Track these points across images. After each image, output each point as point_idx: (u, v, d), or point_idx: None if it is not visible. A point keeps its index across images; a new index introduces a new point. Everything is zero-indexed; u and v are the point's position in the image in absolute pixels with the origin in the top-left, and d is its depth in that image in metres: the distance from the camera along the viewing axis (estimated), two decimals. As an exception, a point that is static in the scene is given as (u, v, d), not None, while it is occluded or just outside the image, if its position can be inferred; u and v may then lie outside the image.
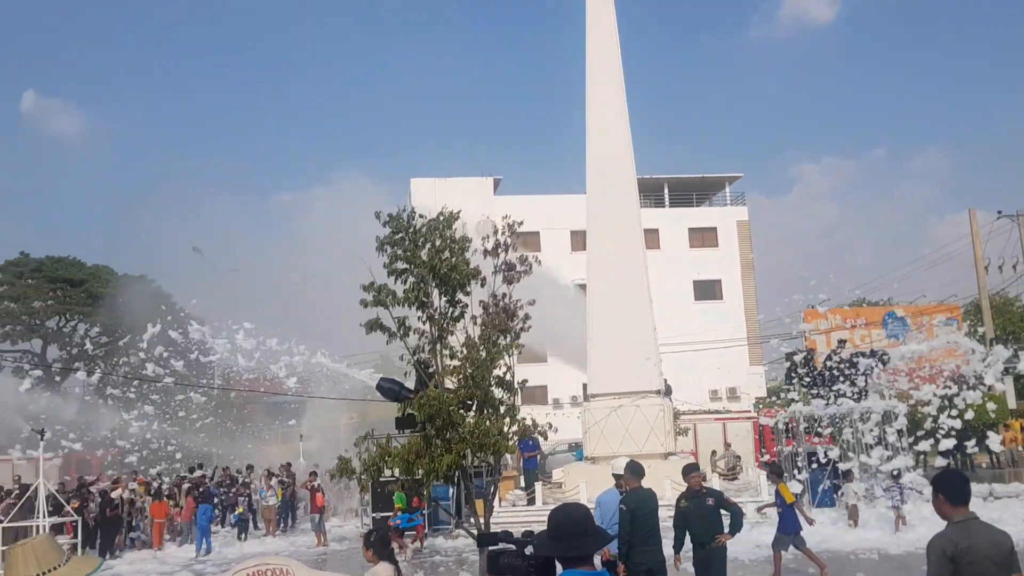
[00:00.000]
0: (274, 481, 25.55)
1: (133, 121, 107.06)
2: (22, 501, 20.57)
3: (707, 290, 53.55)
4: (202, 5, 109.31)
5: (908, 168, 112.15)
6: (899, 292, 58.09)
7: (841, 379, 22.22)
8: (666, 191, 55.18)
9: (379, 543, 7.24)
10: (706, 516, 9.72)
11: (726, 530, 9.70)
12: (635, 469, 9.55)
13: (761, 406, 39.33)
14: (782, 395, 26.72)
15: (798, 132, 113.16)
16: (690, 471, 10.11)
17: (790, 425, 23.15)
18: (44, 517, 18.58)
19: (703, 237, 54.46)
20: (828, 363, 23.81)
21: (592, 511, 6.50)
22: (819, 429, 22.02)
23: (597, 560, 8.66)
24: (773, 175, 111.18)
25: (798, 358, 25.92)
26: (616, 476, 10.13)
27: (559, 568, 3.71)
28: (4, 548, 18.93)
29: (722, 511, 9.83)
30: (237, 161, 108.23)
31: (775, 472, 14.66)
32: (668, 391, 26.47)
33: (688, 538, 9.84)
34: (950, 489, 5.10)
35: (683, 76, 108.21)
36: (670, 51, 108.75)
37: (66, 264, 55.57)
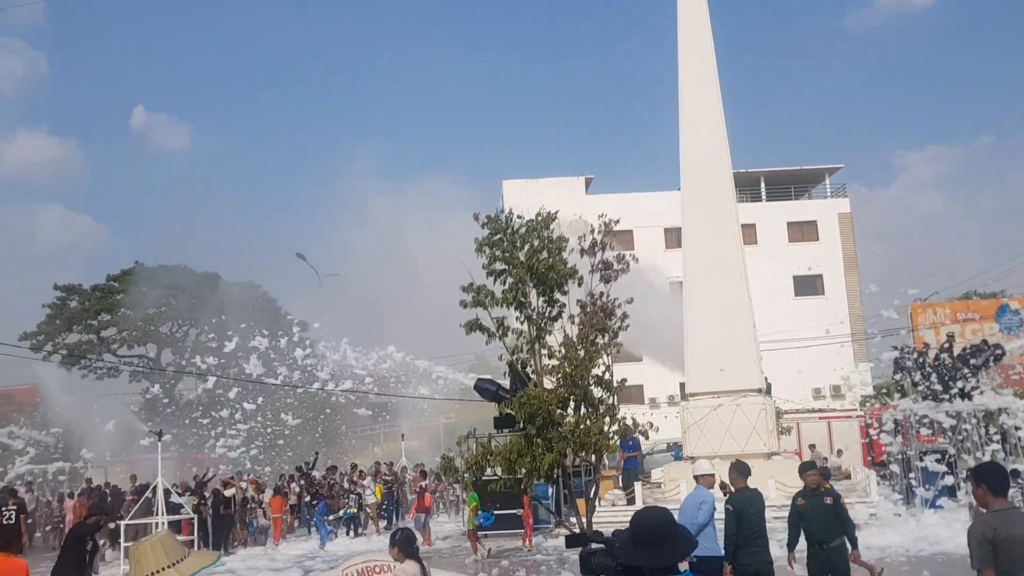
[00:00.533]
0: (367, 480, 26.05)
1: (235, 133, 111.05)
2: (141, 500, 21.59)
3: (808, 285, 52.14)
4: (296, 16, 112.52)
5: (1018, 155, 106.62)
6: (1013, 284, 55.34)
7: (953, 375, 21.33)
8: (763, 185, 53.98)
9: (404, 541, 7.59)
10: (822, 515, 9.53)
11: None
12: (742, 469, 9.44)
13: (868, 404, 38.06)
14: (890, 393, 25.79)
15: (900, 120, 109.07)
16: (806, 469, 10.03)
17: (901, 424, 22.33)
18: (163, 515, 19.41)
19: (803, 231, 53.06)
20: (939, 359, 22.88)
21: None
22: (931, 428, 21.19)
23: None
24: (875, 165, 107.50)
25: (906, 354, 25.01)
26: (696, 477, 10.04)
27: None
28: (126, 544, 19.95)
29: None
30: (332, 169, 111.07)
31: (823, 476, 14.21)
32: (769, 389, 25.90)
33: (803, 537, 9.66)
34: (993, 481, 5.58)
35: (778, 66, 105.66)
36: (764, 40, 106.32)
37: (177, 272, 57.98)
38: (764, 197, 54.07)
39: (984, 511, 5.64)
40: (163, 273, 57.33)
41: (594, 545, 4.01)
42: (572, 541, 4.25)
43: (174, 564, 3.61)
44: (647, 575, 3.59)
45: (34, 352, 48.33)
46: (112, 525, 10.40)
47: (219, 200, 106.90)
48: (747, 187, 51.32)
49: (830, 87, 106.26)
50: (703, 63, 25.64)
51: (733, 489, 9.46)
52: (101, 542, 10.36)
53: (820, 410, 40.08)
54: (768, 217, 52.02)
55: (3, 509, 19.57)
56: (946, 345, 24.53)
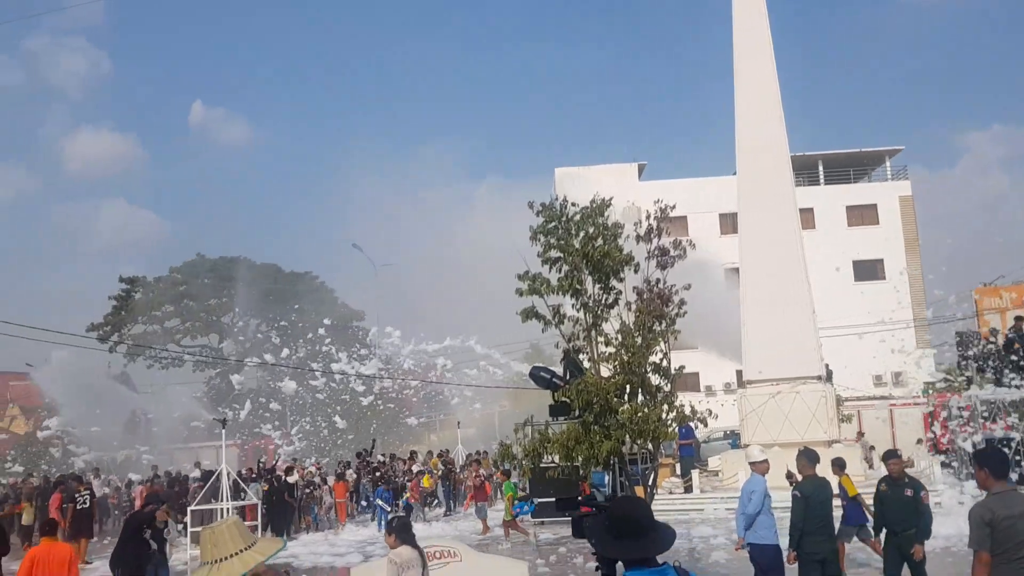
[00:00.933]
0: (416, 467, 26.30)
1: (291, 127, 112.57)
2: (207, 486, 22.13)
3: (868, 270, 51.14)
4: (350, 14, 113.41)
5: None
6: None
7: (1021, 360, 20.74)
8: (820, 168, 53.01)
9: (400, 528, 8.00)
10: (900, 505, 9.51)
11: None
12: (810, 456, 9.40)
13: (931, 391, 37.22)
14: (955, 379, 25.14)
15: (963, 99, 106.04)
16: (889, 457, 10.00)
17: (965, 411, 21.81)
18: (228, 500, 19.87)
19: (862, 215, 52.01)
20: (1006, 343, 22.26)
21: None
22: (998, 414, 20.65)
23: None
24: (937, 146, 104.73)
25: (971, 339, 24.37)
26: (751, 464, 9.97)
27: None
28: (194, 530, 20.47)
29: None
30: (386, 159, 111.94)
31: (838, 465, 13.98)
32: (829, 376, 25.49)
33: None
34: (993, 464, 5.77)
35: (836, 44, 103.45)
36: (822, 18, 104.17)
37: (237, 263, 59.19)
38: (822, 181, 53.09)
39: (986, 493, 5.80)
40: (224, 265, 58.56)
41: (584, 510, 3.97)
42: (562, 505, 4.22)
43: (244, 550, 3.66)
44: (624, 566, 3.50)
45: (101, 343, 49.83)
46: (166, 518, 10.70)
47: (276, 192, 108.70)
48: (804, 171, 50.43)
49: (890, 66, 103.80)
50: (759, 43, 25.20)
51: (800, 477, 9.39)
52: (166, 531, 10.65)
53: (882, 397, 39.30)
54: (826, 201, 51.10)
55: (76, 495, 20.26)
56: (1014, 329, 23.82)
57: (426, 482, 25.71)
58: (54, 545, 8.03)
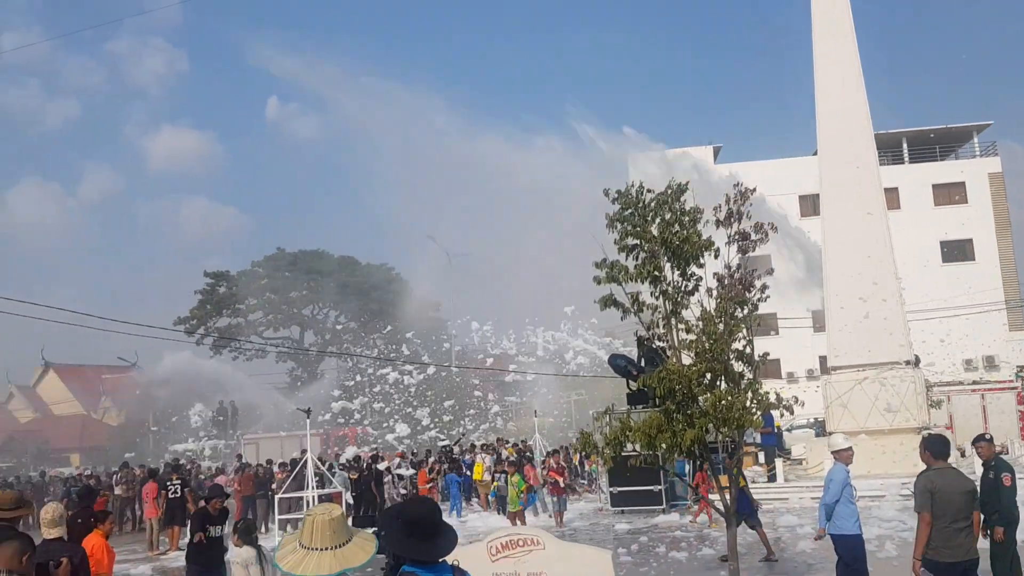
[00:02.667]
0: (479, 458, 26.32)
1: (361, 120, 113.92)
2: (293, 474, 22.65)
3: (957, 251, 49.34)
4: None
5: None
6: None
7: None
8: (905, 146, 51.30)
9: (244, 530, 8.83)
10: (989, 488, 9.21)
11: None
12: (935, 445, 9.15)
13: (1025, 375, 35.76)
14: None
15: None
16: (977, 440, 9.70)
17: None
18: (312, 489, 20.27)
19: (950, 193, 50.16)
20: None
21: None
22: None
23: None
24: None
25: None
26: (834, 452, 9.73)
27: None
28: (281, 517, 20.99)
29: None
30: (460, 149, 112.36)
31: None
32: (917, 361, 24.70)
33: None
34: (935, 448, 7.45)
35: (920, 18, 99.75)
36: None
37: (316, 256, 60.40)
38: (907, 159, 51.38)
39: (927, 468, 7.45)
40: (304, 258, 59.80)
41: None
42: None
43: (340, 546, 3.60)
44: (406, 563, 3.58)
45: (188, 336, 51.49)
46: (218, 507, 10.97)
47: (351, 185, 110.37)
48: (888, 149, 48.85)
49: (976, 38, 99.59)
50: (839, 17, 24.45)
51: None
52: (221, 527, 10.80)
53: (973, 382, 37.90)
54: (912, 180, 49.43)
55: (168, 484, 20.95)
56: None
57: (478, 470, 25.44)
58: (95, 537, 7.95)
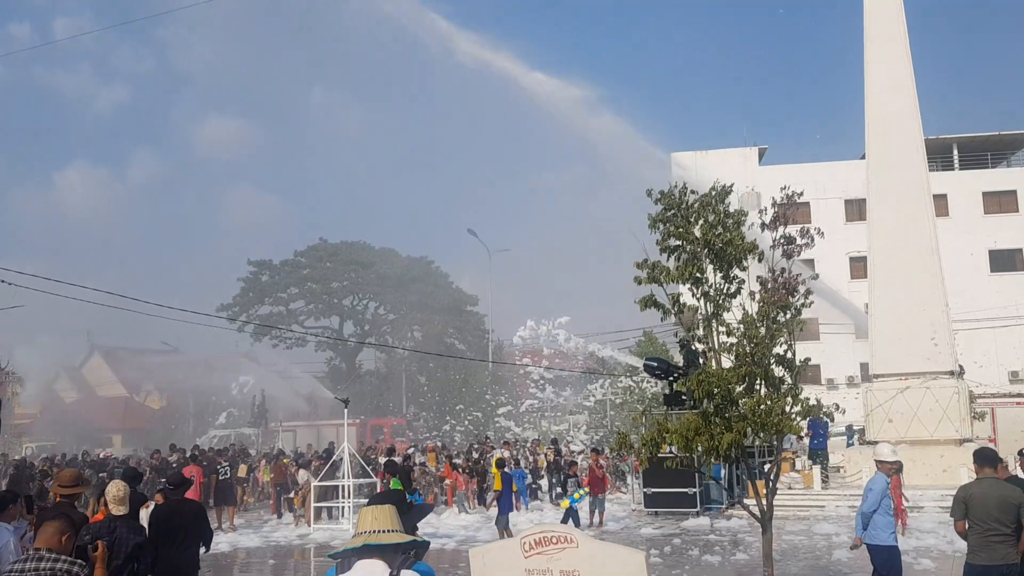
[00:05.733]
0: (496, 452, 26.32)
1: (404, 113, 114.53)
2: (329, 463, 22.90)
3: (1006, 260, 48.30)
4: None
5: None
6: None
7: None
8: (955, 152, 50.33)
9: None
10: None
11: None
12: (986, 458, 8.97)
13: (1076, 389, 34.92)
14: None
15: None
16: (1022, 453, 9.51)
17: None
18: (349, 478, 20.45)
19: (1000, 202, 49.13)
20: None
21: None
22: None
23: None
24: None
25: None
26: (878, 462, 9.57)
27: None
28: (316, 504, 21.20)
29: None
30: (497, 144, 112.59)
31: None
32: (962, 371, 24.27)
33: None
34: (979, 458, 7.69)
35: (972, 22, 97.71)
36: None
37: (357, 248, 60.87)
38: (957, 166, 50.39)
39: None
40: (345, 249, 60.30)
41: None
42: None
43: (388, 531, 3.87)
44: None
45: (231, 323, 52.23)
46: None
47: (394, 178, 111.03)
48: (938, 155, 47.96)
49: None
50: (891, 20, 24.09)
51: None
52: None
53: (1019, 394, 37.09)
54: (961, 187, 48.50)
55: (218, 467, 21.70)
56: None
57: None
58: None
